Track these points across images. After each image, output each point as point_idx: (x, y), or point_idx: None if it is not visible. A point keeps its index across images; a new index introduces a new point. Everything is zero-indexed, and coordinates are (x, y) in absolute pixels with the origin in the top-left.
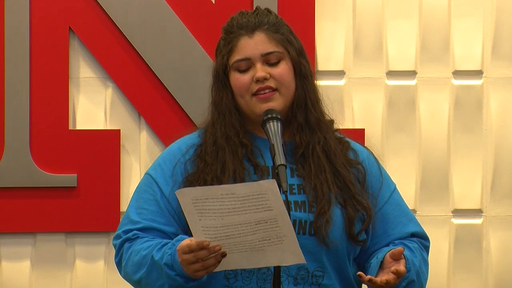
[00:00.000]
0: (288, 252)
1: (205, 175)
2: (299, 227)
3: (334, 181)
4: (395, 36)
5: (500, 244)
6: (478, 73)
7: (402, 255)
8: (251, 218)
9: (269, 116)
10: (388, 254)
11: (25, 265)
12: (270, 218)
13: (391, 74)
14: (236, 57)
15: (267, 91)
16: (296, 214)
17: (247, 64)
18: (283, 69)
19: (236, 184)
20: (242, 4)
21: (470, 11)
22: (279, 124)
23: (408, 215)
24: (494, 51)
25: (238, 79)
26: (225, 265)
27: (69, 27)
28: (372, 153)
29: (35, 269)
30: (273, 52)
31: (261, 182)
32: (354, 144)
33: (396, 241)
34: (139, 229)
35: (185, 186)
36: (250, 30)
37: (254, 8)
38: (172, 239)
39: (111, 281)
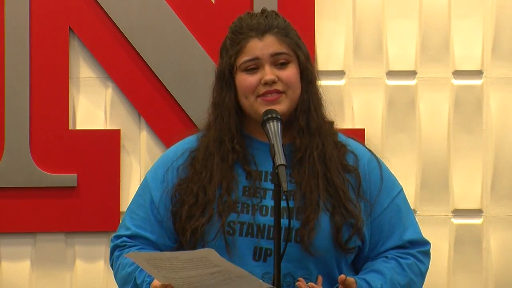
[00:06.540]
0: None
1: (193, 185)
2: (285, 234)
3: (326, 187)
4: (395, 36)
5: (500, 244)
6: (478, 73)
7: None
8: (204, 272)
9: (269, 116)
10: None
11: (25, 265)
12: (221, 270)
13: (391, 74)
14: (244, 57)
15: (274, 94)
16: (283, 221)
17: (256, 64)
18: (291, 72)
19: (178, 252)
20: (242, 4)
21: (470, 11)
22: (279, 124)
23: (407, 222)
24: (494, 51)
25: (246, 80)
26: None
27: (69, 27)
28: (376, 157)
29: (35, 269)
30: (283, 53)
31: (199, 250)
32: (357, 148)
33: (389, 255)
34: (128, 236)
35: (174, 194)
36: (261, 32)
37: (253, 8)
38: (157, 246)
39: (111, 281)
